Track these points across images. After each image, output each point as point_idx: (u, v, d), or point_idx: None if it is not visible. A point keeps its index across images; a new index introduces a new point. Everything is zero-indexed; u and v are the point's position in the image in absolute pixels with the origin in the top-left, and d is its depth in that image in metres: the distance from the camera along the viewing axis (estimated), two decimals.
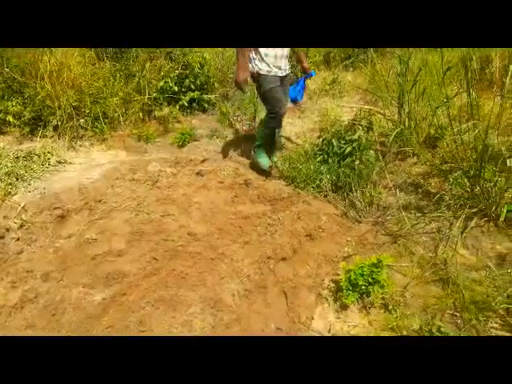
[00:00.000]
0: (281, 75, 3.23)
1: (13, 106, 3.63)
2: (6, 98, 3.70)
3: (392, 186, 3.03)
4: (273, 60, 3.11)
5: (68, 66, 3.82)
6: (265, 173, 3.43)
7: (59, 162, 3.30)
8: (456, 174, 2.86)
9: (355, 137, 3.25)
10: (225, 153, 3.80)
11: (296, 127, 4.48)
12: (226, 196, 3.08)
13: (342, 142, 3.30)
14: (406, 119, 3.63)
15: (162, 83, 4.28)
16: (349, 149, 3.23)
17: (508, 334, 1.93)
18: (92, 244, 2.42)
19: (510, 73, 2.61)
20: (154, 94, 4.20)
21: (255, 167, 3.50)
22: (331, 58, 6.96)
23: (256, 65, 3.13)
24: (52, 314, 1.97)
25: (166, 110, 4.24)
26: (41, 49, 3.76)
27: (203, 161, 3.59)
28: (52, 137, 3.62)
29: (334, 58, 6.91)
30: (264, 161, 3.40)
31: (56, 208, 2.64)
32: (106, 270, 2.22)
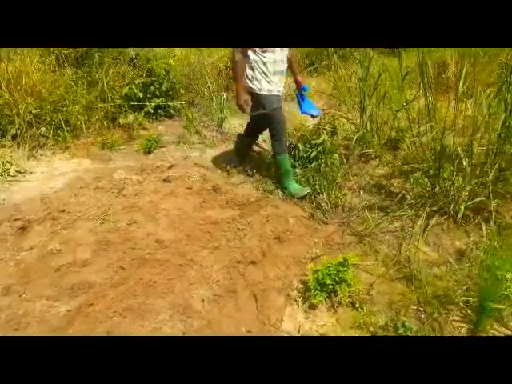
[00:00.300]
0: (280, 94, 3.14)
1: None
2: None
3: (356, 188, 3.12)
4: (273, 78, 3.00)
5: (26, 73, 3.72)
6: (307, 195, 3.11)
7: (19, 172, 3.19)
8: (416, 175, 2.98)
9: (320, 141, 3.33)
10: (192, 159, 3.79)
11: (264, 132, 4.52)
12: (195, 202, 3.07)
13: (308, 146, 3.36)
14: (368, 123, 3.75)
15: (126, 90, 4.23)
16: (314, 153, 3.30)
17: (468, 326, 2.02)
18: (56, 255, 2.35)
19: (462, 78, 2.76)
20: (119, 101, 4.14)
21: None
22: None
23: (255, 84, 3.01)
24: (14, 328, 1.90)
25: (131, 116, 4.19)
26: None
27: (170, 167, 3.56)
28: (11, 146, 3.49)
29: (298, 65, 7.03)
30: (297, 188, 3.12)
31: (16, 219, 2.55)
32: (71, 281, 2.16)
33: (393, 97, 3.91)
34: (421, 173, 2.98)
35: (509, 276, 2.11)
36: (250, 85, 3.03)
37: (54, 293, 2.08)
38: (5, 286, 2.09)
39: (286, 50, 3.04)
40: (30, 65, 3.81)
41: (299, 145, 3.39)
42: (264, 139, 4.27)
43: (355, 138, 3.14)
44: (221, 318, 2.05)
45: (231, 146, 4.17)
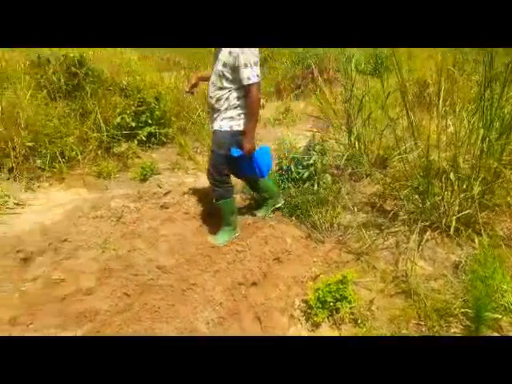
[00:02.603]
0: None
1: None
2: None
3: (350, 207, 3.21)
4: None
5: (20, 106, 3.78)
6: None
7: (17, 205, 3.22)
8: (407, 191, 3.09)
9: (311, 161, 3.44)
10: (187, 184, 3.86)
11: None
12: (193, 227, 3.13)
13: (300, 167, 3.47)
14: (356, 142, 3.88)
15: (118, 119, 4.30)
16: (306, 174, 3.40)
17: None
18: (60, 284, 2.37)
19: (442, 96, 2.92)
20: (112, 131, 4.21)
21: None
22: (282, 89, 7.30)
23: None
24: None
25: (125, 145, 4.25)
26: None
27: (166, 193, 3.62)
28: (8, 179, 3.52)
29: (284, 89, 7.24)
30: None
31: (19, 251, 2.57)
32: (77, 309, 2.18)
33: (378, 117, 4.07)
34: (411, 189, 3.09)
35: (504, 286, 2.19)
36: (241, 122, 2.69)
37: (61, 322, 2.10)
38: (11, 317, 2.10)
39: (211, 83, 2.67)
40: (24, 98, 3.87)
41: (291, 166, 3.50)
42: None
43: (344, 157, 3.26)
44: None
45: None
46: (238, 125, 2.66)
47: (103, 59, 4.76)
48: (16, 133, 3.61)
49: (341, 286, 2.25)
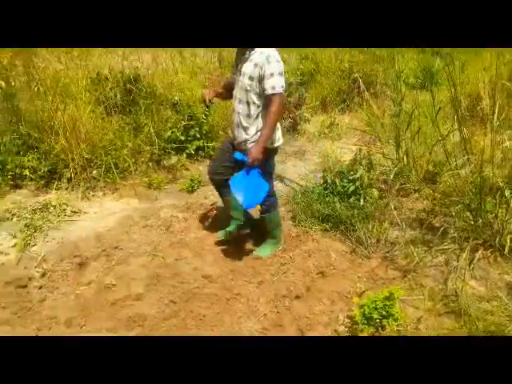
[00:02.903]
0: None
1: (29, 160, 3.80)
2: (21, 153, 3.88)
3: (397, 222, 3.13)
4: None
5: (80, 120, 4.04)
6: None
7: (74, 212, 3.42)
8: (458, 208, 2.99)
9: (357, 176, 3.40)
10: None
11: (298, 168, 4.66)
12: (237, 238, 3.17)
13: (345, 181, 3.44)
14: (404, 157, 3.81)
15: (169, 133, 4.49)
16: (352, 188, 3.37)
17: None
18: (111, 289, 2.49)
19: (496, 111, 2.82)
20: (163, 144, 4.40)
21: None
22: (327, 102, 7.30)
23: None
24: None
25: (174, 158, 4.43)
26: (55, 105, 3.99)
27: (213, 205, 3.72)
28: (66, 188, 3.76)
29: (330, 102, 7.24)
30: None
31: (75, 256, 2.73)
32: (127, 313, 2.28)
33: (427, 131, 3.97)
34: (462, 206, 2.98)
35: None
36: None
37: (112, 325, 2.20)
38: (67, 318, 2.23)
39: (237, 98, 2.57)
40: (84, 113, 4.14)
41: (336, 180, 3.48)
42: (301, 177, 4.39)
43: (393, 172, 3.20)
44: None
45: None
46: (271, 142, 2.59)
47: (157, 77, 4.99)
48: (76, 145, 3.86)
49: (387, 303, 2.19)
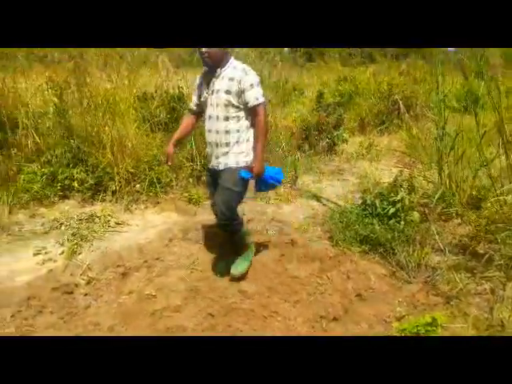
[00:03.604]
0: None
1: (77, 173, 4.01)
2: (71, 166, 4.10)
3: (438, 247, 3.05)
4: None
5: (127, 136, 4.23)
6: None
7: (118, 224, 3.56)
8: (504, 234, 2.88)
9: (398, 198, 3.35)
10: (269, 213, 3.97)
11: (336, 188, 4.65)
12: (273, 255, 3.18)
13: (385, 203, 3.40)
14: (447, 181, 3.72)
15: None
16: (392, 210, 3.32)
17: None
18: (151, 300, 2.56)
19: None
20: (203, 161, 4.52)
21: None
22: (366, 124, 7.28)
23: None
24: None
25: None
26: (104, 121, 4.20)
27: (249, 221, 3.76)
28: (111, 201, 3.93)
29: (368, 123, 7.22)
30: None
31: (118, 266, 2.83)
32: (166, 324, 2.33)
33: (471, 155, 3.88)
34: (509, 232, 2.87)
35: None
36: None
37: (151, 335, 2.25)
38: (109, 325, 2.30)
39: (214, 117, 2.53)
40: (130, 130, 4.34)
41: (376, 202, 3.44)
42: (339, 197, 4.36)
43: (437, 195, 3.13)
44: None
45: (305, 202, 4.33)
46: (251, 159, 2.58)
47: None
48: (121, 159, 4.04)
49: (429, 329, 2.12)
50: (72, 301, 2.51)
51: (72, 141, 4.21)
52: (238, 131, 2.52)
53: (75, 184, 3.95)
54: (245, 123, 2.54)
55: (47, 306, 2.45)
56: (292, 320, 2.43)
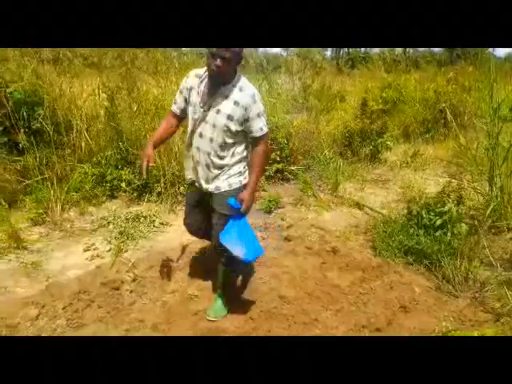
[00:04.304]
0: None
1: (125, 174, 4.16)
2: (120, 167, 4.27)
3: (492, 261, 2.92)
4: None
5: (173, 141, 4.35)
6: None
7: (162, 224, 3.66)
8: None
9: (446, 209, 3.24)
10: (309, 220, 3.94)
11: (379, 197, 4.55)
12: (314, 262, 3.16)
13: (432, 214, 3.30)
14: (499, 193, 3.56)
15: None
16: (439, 221, 3.21)
17: None
18: (194, 300, 2.61)
19: None
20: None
21: None
22: (410, 132, 7.09)
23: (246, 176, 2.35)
24: None
25: None
26: (152, 125, 4.34)
27: (289, 227, 3.76)
28: (156, 201, 4.05)
29: (413, 132, 7.03)
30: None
31: (163, 265, 2.91)
32: (207, 325, 2.37)
33: None
34: None
35: None
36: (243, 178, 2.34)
37: (193, 334, 2.29)
38: (153, 323, 2.37)
39: (206, 137, 2.20)
40: (177, 135, 4.45)
41: (423, 212, 3.34)
42: (382, 206, 4.27)
43: (490, 208, 2.99)
44: None
45: (347, 210, 4.27)
46: (245, 178, 2.32)
47: None
48: (167, 163, 4.16)
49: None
50: (118, 296, 2.60)
51: (121, 143, 4.38)
52: (233, 155, 2.24)
53: (123, 185, 4.10)
54: (241, 147, 2.27)
55: (95, 301, 2.55)
56: (334, 329, 2.40)
